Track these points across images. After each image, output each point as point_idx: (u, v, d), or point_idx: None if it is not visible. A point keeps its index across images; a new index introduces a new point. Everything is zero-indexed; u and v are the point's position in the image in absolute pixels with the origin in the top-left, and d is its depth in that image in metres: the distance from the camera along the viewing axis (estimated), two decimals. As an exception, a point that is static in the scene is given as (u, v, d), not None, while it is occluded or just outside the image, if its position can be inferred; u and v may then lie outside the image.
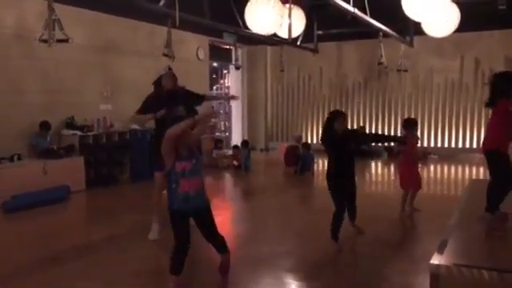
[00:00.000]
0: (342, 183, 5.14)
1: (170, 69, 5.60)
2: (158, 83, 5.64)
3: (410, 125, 6.52)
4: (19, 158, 7.68)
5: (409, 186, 6.45)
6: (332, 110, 6.42)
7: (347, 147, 5.16)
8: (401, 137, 6.97)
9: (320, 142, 5.35)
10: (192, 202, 3.79)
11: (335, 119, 5.05)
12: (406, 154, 6.44)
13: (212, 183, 6.67)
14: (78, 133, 8.63)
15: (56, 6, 6.34)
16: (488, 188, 4.23)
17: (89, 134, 8.81)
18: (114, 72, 9.75)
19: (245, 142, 11.29)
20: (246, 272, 4.54)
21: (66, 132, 8.61)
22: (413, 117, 11.60)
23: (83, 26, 8.87)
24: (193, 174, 3.77)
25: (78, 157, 8.42)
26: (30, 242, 5.58)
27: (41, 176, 7.58)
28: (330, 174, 5.15)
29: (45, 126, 8.11)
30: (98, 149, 8.95)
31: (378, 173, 11.01)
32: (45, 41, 6.29)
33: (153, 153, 5.83)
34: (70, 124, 8.70)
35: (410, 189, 6.46)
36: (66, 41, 6.50)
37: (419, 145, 7.74)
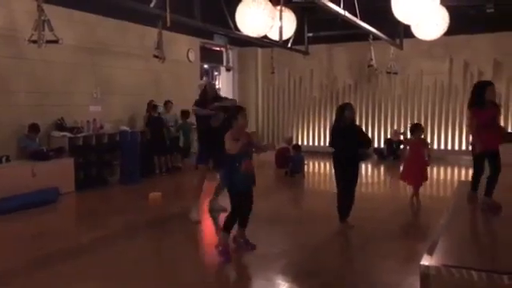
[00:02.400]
0: (344, 168, 5.81)
1: (210, 80, 6.32)
2: (204, 93, 6.52)
3: (416, 130, 7.38)
4: (8, 160, 7.61)
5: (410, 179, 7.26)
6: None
7: (353, 137, 5.78)
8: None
9: (330, 132, 6.17)
10: (249, 179, 4.83)
11: (345, 107, 5.88)
12: (413, 155, 7.20)
13: (206, 184, 6.67)
14: (68, 134, 8.56)
15: (46, 6, 6.30)
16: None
17: (78, 135, 8.74)
18: (104, 73, 9.70)
19: None
20: (239, 273, 4.54)
21: (55, 133, 8.54)
22: (408, 120, 12.84)
23: (73, 27, 8.82)
24: (250, 157, 4.75)
25: (67, 158, 8.35)
26: (20, 244, 5.52)
27: (29, 178, 7.51)
28: (336, 158, 5.90)
29: (33, 128, 8.03)
30: (88, 150, 8.89)
31: (368, 174, 11.03)
32: (34, 41, 6.24)
33: (200, 147, 6.82)
34: (60, 125, 8.64)
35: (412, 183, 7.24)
36: (55, 42, 6.45)
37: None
